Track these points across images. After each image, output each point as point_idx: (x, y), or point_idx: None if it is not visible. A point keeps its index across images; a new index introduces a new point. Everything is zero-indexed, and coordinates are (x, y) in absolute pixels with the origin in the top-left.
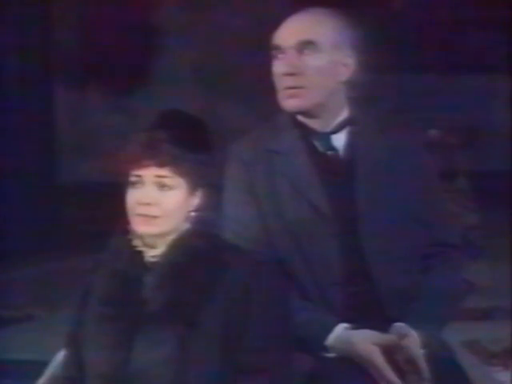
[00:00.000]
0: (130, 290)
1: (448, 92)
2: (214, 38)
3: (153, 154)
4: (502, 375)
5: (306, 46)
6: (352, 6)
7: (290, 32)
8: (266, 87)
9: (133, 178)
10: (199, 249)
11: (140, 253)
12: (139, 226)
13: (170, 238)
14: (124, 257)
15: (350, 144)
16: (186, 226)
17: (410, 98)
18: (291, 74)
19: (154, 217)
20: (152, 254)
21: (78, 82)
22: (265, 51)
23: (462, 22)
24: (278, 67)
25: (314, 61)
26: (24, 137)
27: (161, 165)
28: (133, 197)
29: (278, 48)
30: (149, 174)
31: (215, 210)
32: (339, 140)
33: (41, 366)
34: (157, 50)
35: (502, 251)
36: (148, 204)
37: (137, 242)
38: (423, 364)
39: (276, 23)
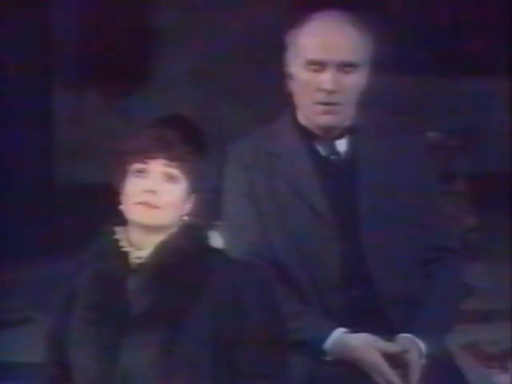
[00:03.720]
0: (115, 293)
1: (447, 94)
2: (212, 40)
3: (163, 148)
4: (501, 377)
5: (347, 65)
6: (352, 7)
7: (335, 49)
8: (265, 90)
9: (137, 169)
10: (187, 251)
11: (126, 254)
12: (139, 215)
13: (158, 239)
14: (109, 258)
15: (353, 149)
16: (174, 229)
17: (409, 101)
18: (332, 92)
19: (155, 206)
20: (138, 255)
21: (76, 84)
22: (264, 53)
23: (461, 24)
24: (319, 82)
25: (352, 79)
26: (22, 139)
27: (171, 158)
28: (137, 185)
29: (317, 62)
30: (157, 165)
31: (204, 217)
32: (341, 145)
33: (39, 368)
34: (155, 51)
35: (501, 253)
36: (153, 192)
37: (123, 243)
38: (416, 379)
39: (275, 25)
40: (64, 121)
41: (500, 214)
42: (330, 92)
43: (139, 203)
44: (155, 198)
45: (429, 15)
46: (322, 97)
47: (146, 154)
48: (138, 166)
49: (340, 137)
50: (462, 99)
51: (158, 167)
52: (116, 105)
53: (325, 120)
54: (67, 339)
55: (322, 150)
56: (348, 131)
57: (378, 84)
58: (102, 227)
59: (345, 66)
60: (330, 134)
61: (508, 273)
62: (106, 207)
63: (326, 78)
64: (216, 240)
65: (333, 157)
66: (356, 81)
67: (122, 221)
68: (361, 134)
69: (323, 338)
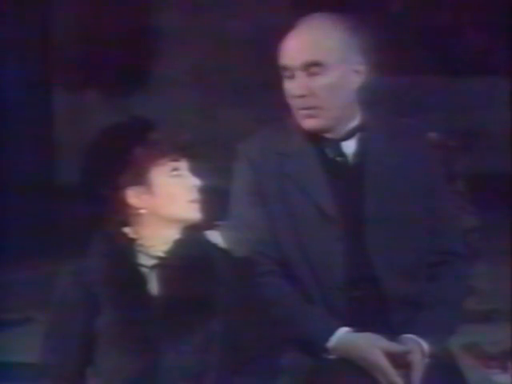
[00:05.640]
0: (144, 289)
1: (447, 94)
2: (213, 39)
3: (190, 145)
4: (501, 377)
5: (312, 66)
6: (351, 8)
7: (295, 52)
8: (265, 89)
9: (173, 168)
10: (203, 244)
11: (144, 251)
12: (195, 212)
13: (172, 233)
14: (130, 257)
15: (360, 150)
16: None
17: (409, 101)
18: (303, 96)
19: (200, 202)
20: (158, 250)
21: (77, 82)
22: (264, 53)
23: (462, 24)
24: (290, 89)
25: (323, 80)
26: (23, 137)
27: (192, 156)
28: (179, 184)
29: (285, 68)
30: (184, 164)
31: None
32: (349, 147)
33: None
34: (156, 51)
35: (502, 254)
36: (196, 188)
37: (140, 241)
38: (418, 380)
39: (274, 25)
40: (64, 121)
41: (500, 214)
42: (300, 97)
43: (192, 201)
44: (198, 194)
45: (429, 15)
46: (298, 102)
47: (181, 153)
48: (172, 165)
49: (346, 138)
50: (462, 99)
51: (185, 163)
52: (116, 104)
53: (309, 124)
54: (96, 341)
55: (328, 151)
56: (354, 132)
57: (378, 84)
58: (107, 230)
59: (309, 68)
60: (334, 135)
61: (508, 273)
62: (107, 208)
63: (294, 84)
64: (217, 239)
65: (339, 158)
66: (330, 81)
67: (125, 222)
68: (367, 135)
69: (327, 337)
